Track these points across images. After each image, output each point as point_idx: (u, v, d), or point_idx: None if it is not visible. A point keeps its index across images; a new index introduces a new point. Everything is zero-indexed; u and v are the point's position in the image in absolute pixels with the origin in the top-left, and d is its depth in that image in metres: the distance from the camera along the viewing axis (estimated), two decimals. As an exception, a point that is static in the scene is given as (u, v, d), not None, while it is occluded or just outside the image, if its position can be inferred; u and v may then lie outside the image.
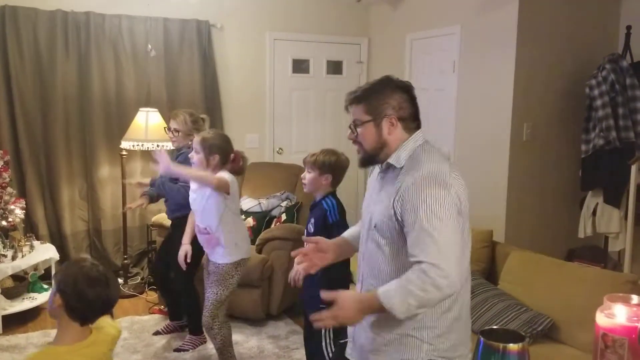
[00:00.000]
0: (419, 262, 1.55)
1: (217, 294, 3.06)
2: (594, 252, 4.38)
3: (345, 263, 2.61)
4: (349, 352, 1.94)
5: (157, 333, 3.84)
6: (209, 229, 3.04)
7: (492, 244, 3.46)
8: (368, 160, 1.82)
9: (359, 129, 1.78)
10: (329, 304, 1.68)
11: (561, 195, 4.56)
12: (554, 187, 4.52)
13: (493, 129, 4.37)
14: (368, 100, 1.76)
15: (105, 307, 1.74)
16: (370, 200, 1.86)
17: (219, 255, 3.08)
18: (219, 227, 3.02)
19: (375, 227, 1.75)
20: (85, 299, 1.67)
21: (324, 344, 2.67)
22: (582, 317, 2.68)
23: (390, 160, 1.76)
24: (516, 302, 2.98)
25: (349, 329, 1.94)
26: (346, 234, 2.11)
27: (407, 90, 1.78)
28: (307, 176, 2.75)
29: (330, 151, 2.77)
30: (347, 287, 2.64)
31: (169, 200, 3.69)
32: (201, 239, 3.14)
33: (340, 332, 2.60)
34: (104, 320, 1.83)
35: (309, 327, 2.82)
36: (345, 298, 1.64)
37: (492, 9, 4.37)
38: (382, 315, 1.67)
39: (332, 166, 2.71)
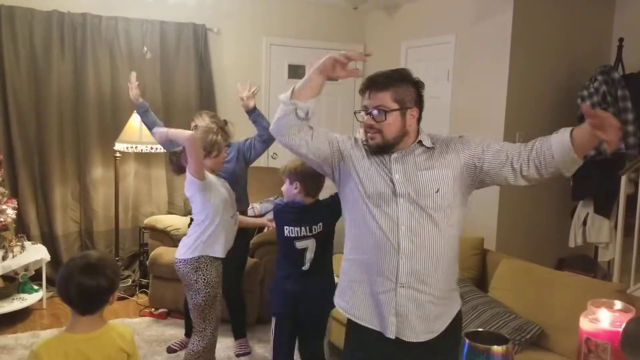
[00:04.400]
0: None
1: (192, 298, 3.03)
2: (584, 262, 4.41)
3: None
4: (393, 330, 1.86)
5: (171, 350, 3.64)
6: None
7: (483, 251, 3.48)
8: (385, 148, 1.86)
9: (387, 116, 1.82)
10: None
11: (552, 205, 4.59)
12: (545, 196, 4.55)
13: (486, 136, 4.39)
14: (395, 88, 1.83)
15: (81, 297, 1.75)
16: (403, 179, 1.85)
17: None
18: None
19: (437, 191, 1.82)
20: (62, 293, 1.75)
21: None
22: (570, 325, 2.68)
23: (425, 142, 1.91)
24: (505, 309, 3.00)
25: (391, 306, 1.85)
26: None
27: (420, 87, 1.92)
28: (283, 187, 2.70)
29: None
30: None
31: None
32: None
33: None
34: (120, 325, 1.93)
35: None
36: None
37: (486, 20, 4.41)
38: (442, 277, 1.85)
39: (298, 173, 2.63)
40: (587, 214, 4.25)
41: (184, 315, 3.72)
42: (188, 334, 3.60)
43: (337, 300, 2.05)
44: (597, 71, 4.17)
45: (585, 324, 1.21)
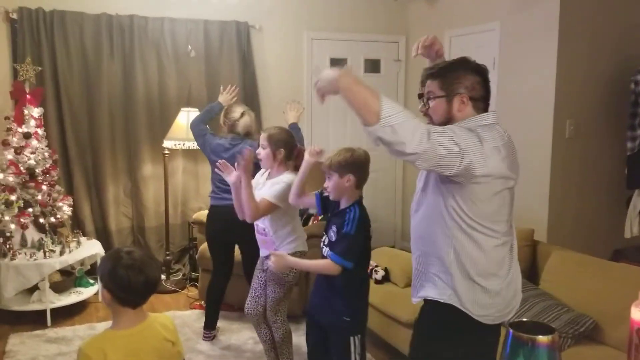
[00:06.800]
0: None
1: (275, 292, 3.04)
2: (642, 253, 4.24)
3: (364, 265, 2.51)
4: None
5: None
6: (267, 231, 3.02)
7: (533, 243, 3.40)
8: None
9: (430, 102, 1.90)
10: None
11: (606, 194, 4.42)
12: (598, 185, 4.39)
13: (535, 125, 4.28)
14: (444, 77, 1.88)
15: (148, 288, 1.79)
16: None
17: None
18: (272, 229, 2.99)
19: None
20: (127, 287, 1.75)
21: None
22: (626, 318, 2.59)
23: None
24: (557, 302, 2.92)
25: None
26: None
27: (481, 73, 1.89)
28: (329, 183, 2.48)
29: (344, 149, 2.49)
30: (368, 290, 2.55)
31: None
32: (259, 239, 3.10)
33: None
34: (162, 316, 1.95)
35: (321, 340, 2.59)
36: None
37: (532, 5, 4.28)
38: None
39: (349, 165, 2.41)
40: (644, 203, 4.09)
41: (213, 309, 3.77)
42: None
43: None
44: (652, 54, 3.99)
45: (636, 314, 1.16)
